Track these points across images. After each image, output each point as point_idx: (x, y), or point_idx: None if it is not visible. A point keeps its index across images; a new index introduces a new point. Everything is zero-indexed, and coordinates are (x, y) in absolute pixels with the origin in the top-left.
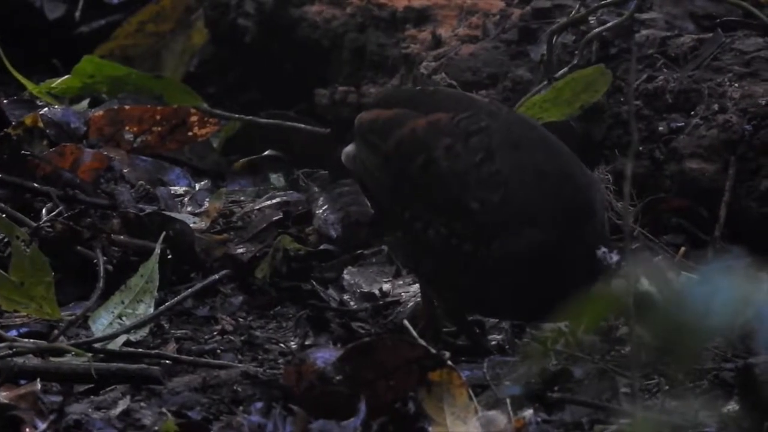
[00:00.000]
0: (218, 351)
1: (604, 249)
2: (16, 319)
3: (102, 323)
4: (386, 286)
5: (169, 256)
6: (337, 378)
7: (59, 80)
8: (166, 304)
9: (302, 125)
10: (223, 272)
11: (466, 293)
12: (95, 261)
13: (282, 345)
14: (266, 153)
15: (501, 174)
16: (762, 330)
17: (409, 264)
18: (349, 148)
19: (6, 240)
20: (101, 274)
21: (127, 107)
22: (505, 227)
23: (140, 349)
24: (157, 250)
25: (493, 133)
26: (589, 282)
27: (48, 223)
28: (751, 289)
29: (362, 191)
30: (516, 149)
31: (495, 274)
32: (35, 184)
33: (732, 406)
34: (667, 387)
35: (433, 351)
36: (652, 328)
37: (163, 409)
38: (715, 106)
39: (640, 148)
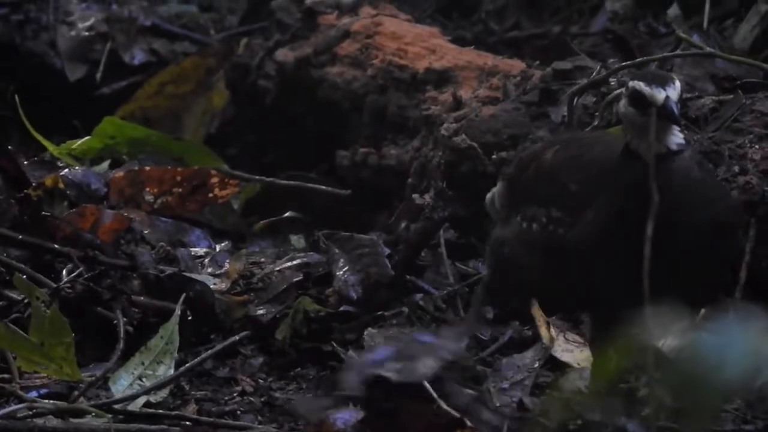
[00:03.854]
0: (238, 412)
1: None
2: (36, 380)
3: (122, 384)
4: None
5: (190, 317)
6: None
7: (80, 141)
8: (187, 365)
9: (322, 187)
10: (244, 333)
11: (561, 283)
12: (115, 322)
13: None
14: (286, 214)
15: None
16: None
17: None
18: (489, 193)
19: (26, 301)
20: (121, 335)
21: (147, 168)
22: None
23: (160, 410)
24: (178, 312)
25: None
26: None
27: (68, 284)
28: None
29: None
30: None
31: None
32: (55, 245)
33: None
34: None
35: (456, 415)
36: (671, 386)
37: None
38: (736, 168)
39: None
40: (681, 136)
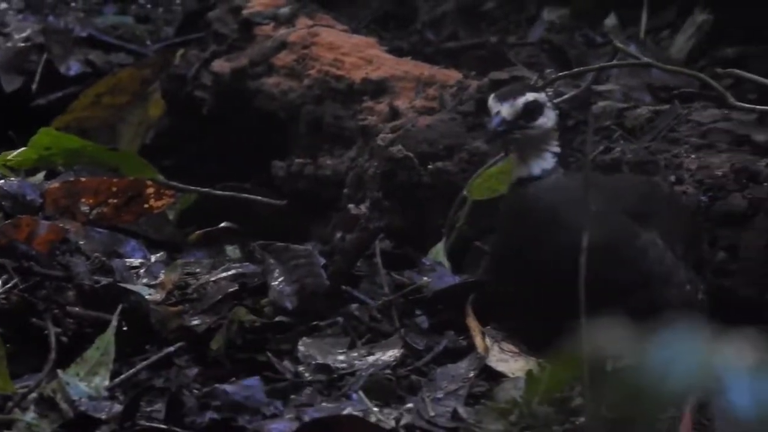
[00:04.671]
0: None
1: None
2: None
3: None
4: (341, 358)
5: (125, 328)
6: None
7: (15, 152)
8: (121, 376)
9: (258, 197)
10: (179, 344)
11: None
12: (46, 332)
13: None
14: (222, 225)
15: None
16: (721, 400)
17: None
18: None
19: None
20: (53, 346)
21: (83, 179)
22: None
23: (97, 417)
24: (114, 323)
25: None
26: None
27: (3, 295)
28: (709, 360)
29: None
30: None
31: None
32: None
33: None
34: None
35: (392, 425)
36: (608, 397)
37: None
38: (672, 178)
39: None
40: (552, 161)
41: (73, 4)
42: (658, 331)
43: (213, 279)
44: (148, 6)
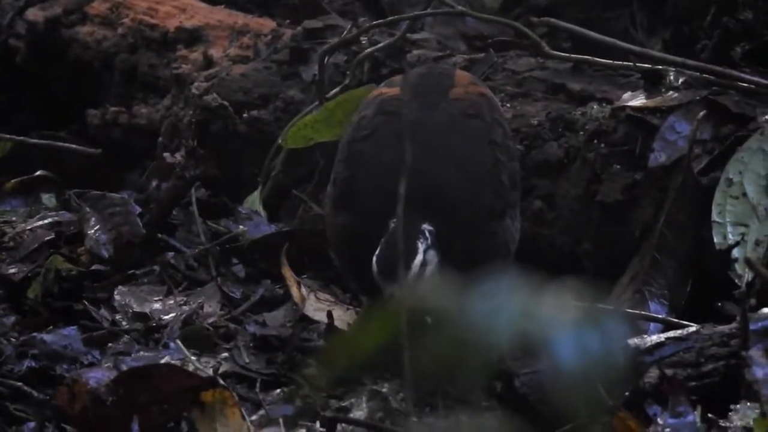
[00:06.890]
0: None
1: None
2: None
3: None
4: (157, 306)
5: None
6: (111, 399)
7: None
8: None
9: (72, 146)
10: None
11: None
12: None
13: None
14: (38, 173)
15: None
16: (544, 346)
17: None
18: None
19: None
20: None
21: None
22: None
23: None
24: None
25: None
26: None
27: None
28: (530, 307)
29: None
30: None
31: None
32: None
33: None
34: (444, 404)
35: (209, 374)
36: (431, 345)
37: None
38: None
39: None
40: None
41: None
42: (480, 281)
43: (29, 227)
44: None
